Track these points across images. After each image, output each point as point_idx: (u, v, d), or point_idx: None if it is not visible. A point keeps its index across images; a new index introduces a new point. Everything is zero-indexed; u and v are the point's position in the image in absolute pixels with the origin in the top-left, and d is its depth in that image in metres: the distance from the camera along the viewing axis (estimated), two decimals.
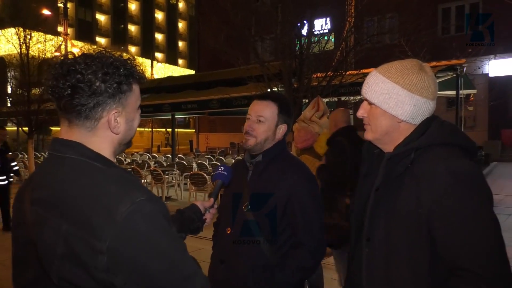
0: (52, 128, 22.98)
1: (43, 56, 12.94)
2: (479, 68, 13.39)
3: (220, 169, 1.72)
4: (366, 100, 1.40)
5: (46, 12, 16.24)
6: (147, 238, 0.97)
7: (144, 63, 49.20)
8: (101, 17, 51.56)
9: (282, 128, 1.89)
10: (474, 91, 11.47)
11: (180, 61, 61.63)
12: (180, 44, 62.55)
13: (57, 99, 1.04)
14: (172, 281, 1.00)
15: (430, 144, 1.29)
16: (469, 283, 1.17)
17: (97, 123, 1.06)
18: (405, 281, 1.25)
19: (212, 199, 1.62)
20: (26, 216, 1.04)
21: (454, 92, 8.75)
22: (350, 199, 3.14)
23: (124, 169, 1.15)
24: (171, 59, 58.64)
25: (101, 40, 50.91)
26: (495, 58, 16.91)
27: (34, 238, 1.01)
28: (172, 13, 60.25)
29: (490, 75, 17.41)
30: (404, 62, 1.36)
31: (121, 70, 1.07)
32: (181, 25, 62.31)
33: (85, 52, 1.10)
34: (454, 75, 8.44)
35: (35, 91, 12.67)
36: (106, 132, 1.09)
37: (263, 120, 1.84)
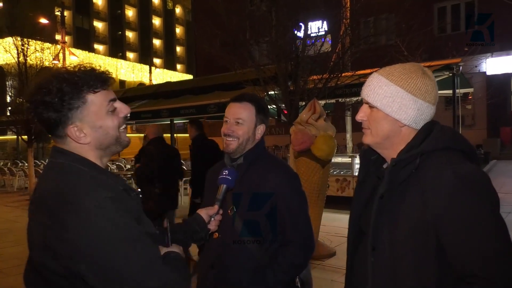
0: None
1: (41, 64, 12.93)
2: (476, 66, 13.41)
3: (224, 173, 1.68)
4: (367, 103, 1.36)
5: (43, 20, 16.26)
6: (104, 232, 1.07)
7: (142, 69, 49.39)
8: (99, 24, 51.66)
9: (261, 129, 1.89)
10: (471, 89, 11.47)
11: (178, 66, 61.71)
12: (178, 49, 62.65)
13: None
14: (128, 273, 1.08)
15: (434, 149, 1.27)
16: None
17: (65, 139, 1.21)
18: None
19: (216, 206, 1.60)
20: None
21: (451, 92, 8.76)
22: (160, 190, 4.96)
23: (105, 171, 1.25)
24: (169, 65, 58.71)
25: (99, 47, 51.01)
26: (492, 56, 16.95)
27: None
28: (169, 19, 60.38)
29: (488, 73, 17.45)
30: (407, 65, 1.34)
31: (64, 87, 1.15)
32: (178, 30, 62.43)
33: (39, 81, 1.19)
34: (450, 74, 8.44)
35: None
36: (77, 143, 1.21)
37: (241, 122, 1.84)
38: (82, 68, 1.21)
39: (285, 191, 1.80)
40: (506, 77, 17.81)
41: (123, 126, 1.29)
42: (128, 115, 1.32)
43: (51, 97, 1.14)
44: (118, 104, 1.27)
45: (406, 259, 1.24)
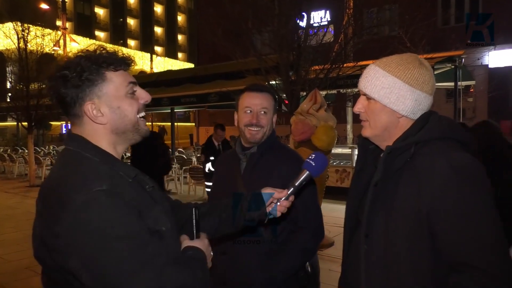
0: (52, 122, 22.93)
1: (42, 50, 12.86)
2: (478, 59, 13.31)
3: (310, 157, 1.45)
4: (365, 94, 1.36)
5: (44, 6, 16.13)
6: (96, 228, 1.00)
7: (143, 57, 49.11)
8: (100, 11, 51.25)
9: (275, 118, 1.96)
10: (473, 82, 11.44)
11: (180, 55, 61.37)
12: (180, 37, 62.23)
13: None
14: (118, 272, 1.00)
15: (430, 138, 1.27)
16: (471, 278, 1.15)
17: (82, 118, 1.16)
18: (405, 277, 1.24)
19: (286, 191, 1.41)
20: None
21: (453, 84, 8.73)
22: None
23: (114, 161, 1.17)
24: (170, 53, 58.38)
25: (100, 34, 50.66)
26: (495, 49, 16.80)
27: None
28: (171, 7, 59.87)
29: (490, 66, 17.29)
30: (404, 56, 1.34)
31: (83, 61, 1.12)
32: (180, 18, 61.95)
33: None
34: (453, 67, 8.40)
35: (34, 86, 12.63)
36: (93, 124, 1.16)
37: (267, 112, 1.89)
38: (102, 49, 1.19)
39: None
40: (508, 70, 17.68)
41: (142, 114, 1.23)
42: (148, 102, 1.26)
43: (70, 72, 1.11)
44: (138, 89, 1.22)
45: (399, 247, 1.25)
